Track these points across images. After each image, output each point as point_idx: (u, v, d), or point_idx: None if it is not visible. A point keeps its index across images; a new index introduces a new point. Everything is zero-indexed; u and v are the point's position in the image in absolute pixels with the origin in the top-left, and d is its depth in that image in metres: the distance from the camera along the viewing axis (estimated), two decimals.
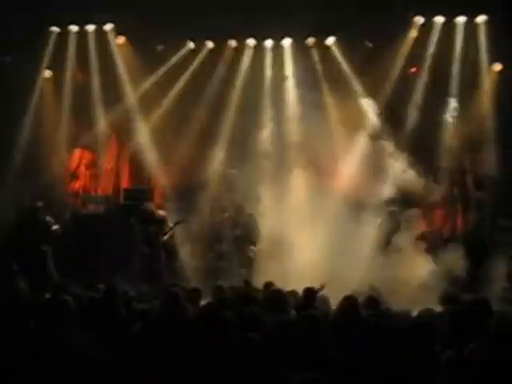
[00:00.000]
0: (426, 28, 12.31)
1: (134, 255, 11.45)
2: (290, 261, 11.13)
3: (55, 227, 11.61)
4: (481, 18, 12.10)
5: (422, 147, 12.33)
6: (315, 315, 5.76)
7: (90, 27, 12.93)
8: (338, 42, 12.62)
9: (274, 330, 5.53)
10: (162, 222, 11.59)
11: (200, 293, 7.69)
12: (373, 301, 6.73)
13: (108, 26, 12.92)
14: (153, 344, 5.48)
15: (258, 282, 8.58)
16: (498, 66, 12.29)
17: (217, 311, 5.73)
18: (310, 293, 7.26)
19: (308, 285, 7.50)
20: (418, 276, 10.69)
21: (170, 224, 11.58)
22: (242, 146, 12.43)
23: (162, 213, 11.75)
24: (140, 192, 12.92)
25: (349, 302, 6.20)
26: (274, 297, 6.66)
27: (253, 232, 12.03)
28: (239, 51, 12.93)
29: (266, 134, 12.61)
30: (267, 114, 12.69)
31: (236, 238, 12.11)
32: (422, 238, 11.54)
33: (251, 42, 12.87)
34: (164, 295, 6.62)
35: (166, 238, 11.58)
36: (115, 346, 5.52)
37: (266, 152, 12.41)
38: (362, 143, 12.43)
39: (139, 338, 5.69)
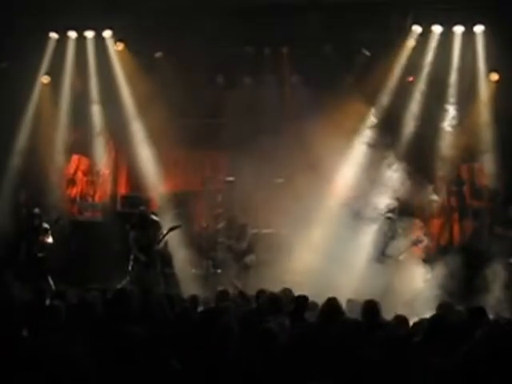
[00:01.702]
0: (424, 37, 12.33)
1: (130, 262, 11.42)
2: (286, 268, 11.13)
3: (49, 241, 11.56)
4: (478, 28, 12.14)
5: (420, 156, 12.34)
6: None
7: (89, 33, 12.95)
8: (337, 50, 12.65)
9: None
10: (155, 227, 11.57)
11: (197, 299, 7.69)
12: (372, 308, 6.71)
13: (107, 33, 12.95)
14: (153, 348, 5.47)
15: (255, 290, 8.55)
16: (495, 76, 12.32)
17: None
18: (301, 301, 7.26)
19: (304, 291, 7.51)
20: (413, 285, 10.69)
21: (164, 230, 11.54)
22: (240, 152, 12.41)
23: (155, 218, 11.73)
24: (137, 199, 12.93)
25: (330, 304, 6.21)
26: (271, 301, 6.71)
27: (246, 243, 12.05)
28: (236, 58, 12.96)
29: (265, 139, 12.64)
30: (267, 119, 12.72)
31: (230, 248, 12.11)
32: (417, 242, 11.50)
33: (249, 49, 12.90)
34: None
35: (161, 245, 11.54)
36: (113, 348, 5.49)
37: (265, 157, 12.44)
38: (360, 151, 12.42)
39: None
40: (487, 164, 12.36)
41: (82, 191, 13.84)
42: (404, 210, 11.91)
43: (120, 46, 13.01)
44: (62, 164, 13.41)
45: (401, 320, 6.69)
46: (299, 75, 12.85)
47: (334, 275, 10.40)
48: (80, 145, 13.48)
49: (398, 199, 11.77)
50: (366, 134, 12.50)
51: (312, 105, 12.33)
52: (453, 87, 12.37)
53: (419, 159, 12.30)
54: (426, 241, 11.58)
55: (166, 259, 11.98)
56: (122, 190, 13.84)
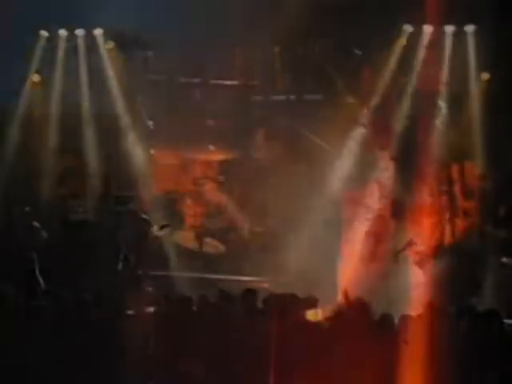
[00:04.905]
0: (415, 36, 12.35)
1: (121, 261, 11.40)
2: (278, 266, 11.15)
3: (40, 239, 11.53)
4: (469, 28, 12.18)
5: (411, 156, 12.35)
6: None
7: (80, 32, 12.92)
8: (328, 49, 12.65)
9: None
10: (146, 225, 11.54)
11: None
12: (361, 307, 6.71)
13: (98, 31, 12.92)
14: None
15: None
16: (485, 76, 12.35)
17: None
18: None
19: (294, 290, 7.52)
20: (404, 285, 10.72)
21: (155, 228, 11.52)
22: (234, 149, 12.44)
23: (145, 217, 11.71)
24: (128, 198, 12.89)
25: None
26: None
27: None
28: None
29: (258, 137, 12.66)
30: (258, 116, 12.74)
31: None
32: (409, 244, 11.52)
33: (239, 49, 12.91)
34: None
35: (154, 243, 11.53)
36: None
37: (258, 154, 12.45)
38: (352, 151, 12.42)
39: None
40: (478, 164, 12.38)
41: (74, 190, 13.78)
42: (396, 211, 11.93)
43: (111, 44, 12.99)
44: (52, 163, 13.37)
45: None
46: (291, 75, 12.84)
47: (325, 275, 10.42)
48: (71, 143, 13.44)
49: (390, 200, 11.79)
50: (359, 134, 12.49)
51: (304, 104, 12.34)
52: (444, 87, 12.38)
53: (411, 159, 12.31)
54: (418, 243, 11.60)
55: (159, 259, 11.96)
56: (113, 189, 13.79)
